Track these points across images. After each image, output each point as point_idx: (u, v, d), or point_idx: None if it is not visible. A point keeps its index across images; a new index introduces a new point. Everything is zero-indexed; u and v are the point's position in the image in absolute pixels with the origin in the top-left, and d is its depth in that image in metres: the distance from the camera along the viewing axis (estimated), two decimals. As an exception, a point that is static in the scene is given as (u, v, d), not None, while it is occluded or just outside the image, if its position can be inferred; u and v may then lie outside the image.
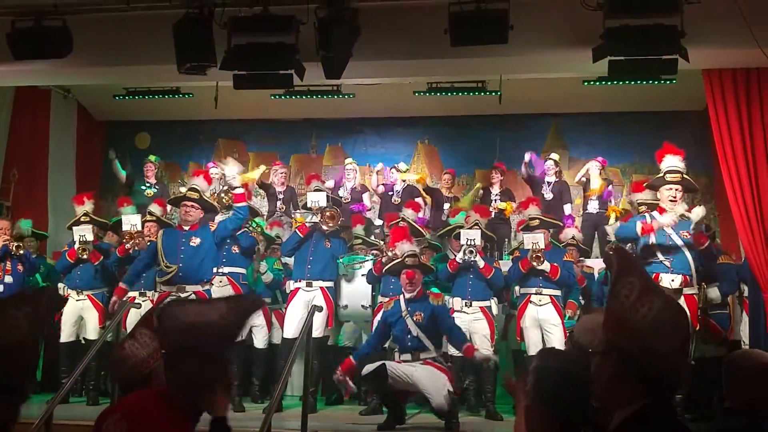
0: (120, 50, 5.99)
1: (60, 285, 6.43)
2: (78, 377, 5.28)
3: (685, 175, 5.25)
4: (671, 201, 5.12)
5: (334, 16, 5.24)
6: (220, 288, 6.03)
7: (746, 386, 2.36)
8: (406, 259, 5.42)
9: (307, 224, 6.24)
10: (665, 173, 5.21)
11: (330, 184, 7.89)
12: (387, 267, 5.78)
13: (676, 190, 5.13)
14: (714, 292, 5.75)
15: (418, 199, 7.57)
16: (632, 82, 7.05)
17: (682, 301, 4.94)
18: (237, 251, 6.22)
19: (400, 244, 5.57)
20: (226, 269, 6.14)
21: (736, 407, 2.43)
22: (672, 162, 5.20)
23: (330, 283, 6.10)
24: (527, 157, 7.77)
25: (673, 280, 4.98)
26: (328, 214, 6.12)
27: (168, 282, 5.53)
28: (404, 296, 5.31)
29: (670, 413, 1.57)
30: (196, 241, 5.60)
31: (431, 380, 4.97)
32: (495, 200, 7.80)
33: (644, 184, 5.90)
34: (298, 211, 7.55)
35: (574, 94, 7.81)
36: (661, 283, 4.96)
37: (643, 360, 1.54)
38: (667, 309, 1.59)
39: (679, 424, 1.57)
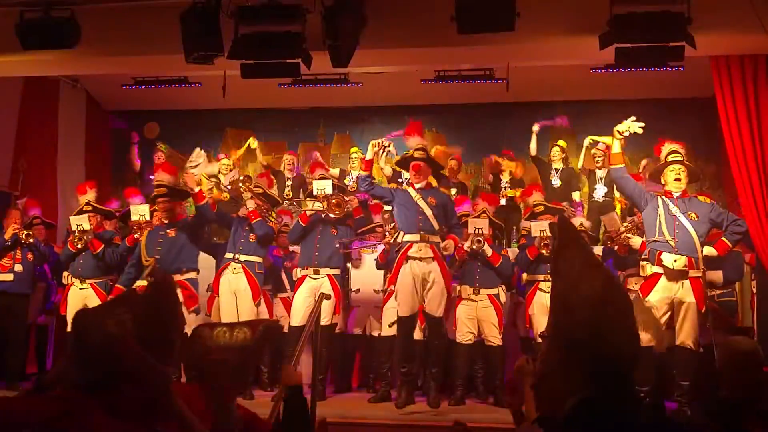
0: (128, 40, 6.01)
1: (65, 273, 6.51)
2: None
3: (686, 161, 5.27)
4: (676, 180, 5.12)
5: (340, 4, 5.24)
6: (234, 275, 6.11)
7: (732, 373, 2.40)
8: (415, 152, 5.56)
9: (308, 213, 6.29)
10: (666, 157, 5.23)
11: (335, 171, 7.91)
12: (396, 160, 5.90)
13: (680, 169, 5.14)
14: (716, 275, 5.75)
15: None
16: (640, 69, 7.02)
17: (687, 283, 4.95)
18: (253, 240, 6.28)
19: (411, 138, 5.68)
20: (242, 257, 6.20)
21: (727, 393, 2.46)
22: (672, 147, 5.24)
23: (337, 271, 6.15)
24: (536, 127, 7.75)
25: (675, 261, 4.94)
26: (334, 201, 6.15)
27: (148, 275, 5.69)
28: (414, 187, 5.51)
29: (622, 404, 1.41)
30: (172, 232, 5.78)
31: (436, 294, 5.34)
32: (505, 188, 7.81)
33: (646, 175, 5.89)
34: (306, 199, 7.57)
35: (581, 81, 7.77)
36: (663, 263, 4.98)
37: (587, 345, 1.39)
38: (609, 288, 1.43)
39: (634, 414, 1.42)
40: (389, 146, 5.94)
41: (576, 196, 7.64)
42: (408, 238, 5.42)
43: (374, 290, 6.34)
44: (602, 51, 5.25)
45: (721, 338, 4.22)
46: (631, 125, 5.05)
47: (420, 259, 5.36)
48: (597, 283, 1.41)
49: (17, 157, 7.97)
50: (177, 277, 5.61)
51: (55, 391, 1.90)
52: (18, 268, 6.53)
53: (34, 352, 7.09)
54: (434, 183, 5.83)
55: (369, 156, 5.64)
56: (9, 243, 6.47)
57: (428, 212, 5.43)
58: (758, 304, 5.81)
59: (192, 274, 5.96)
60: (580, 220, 6.72)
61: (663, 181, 5.21)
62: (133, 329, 1.85)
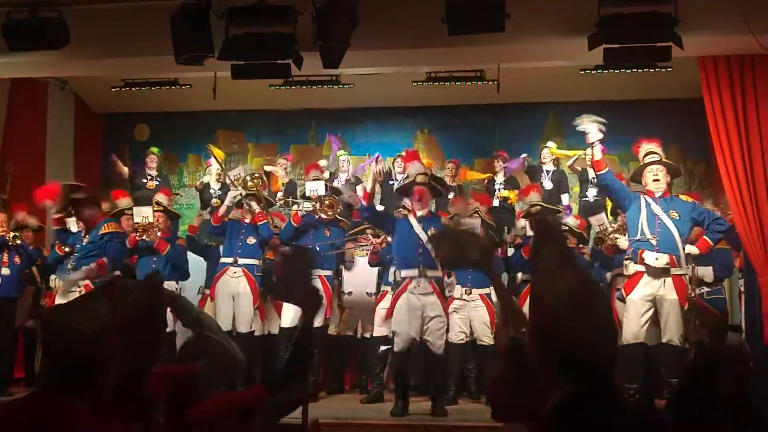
0: (117, 41, 5.97)
1: (52, 276, 6.48)
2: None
3: (664, 159, 5.32)
4: (655, 181, 5.19)
5: (331, 5, 5.24)
6: (234, 278, 6.13)
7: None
8: (417, 177, 5.48)
9: (299, 213, 6.30)
10: (644, 158, 5.31)
11: (326, 175, 7.89)
12: (398, 186, 5.78)
13: (658, 170, 5.20)
14: (706, 271, 5.79)
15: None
16: (629, 71, 7.07)
17: (669, 281, 4.99)
18: (253, 242, 6.30)
19: (411, 164, 5.64)
20: (241, 260, 6.23)
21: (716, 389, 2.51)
22: (649, 147, 5.32)
23: (328, 272, 6.16)
24: (524, 155, 7.82)
25: (657, 259, 4.99)
26: (326, 202, 6.18)
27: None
28: (415, 214, 5.36)
29: (605, 400, 1.42)
30: (85, 240, 5.97)
31: (436, 328, 5.19)
32: (499, 189, 7.81)
33: (628, 177, 5.96)
34: (297, 201, 7.56)
35: (571, 82, 7.82)
36: (644, 261, 5.01)
37: (561, 343, 1.40)
38: (583, 286, 1.44)
39: (615, 412, 1.42)
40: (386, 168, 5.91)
41: (565, 198, 7.65)
42: (406, 273, 5.24)
43: (366, 293, 6.33)
44: (592, 52, 5.28)
45: (711, 335, 4.26)
46: (593, 128, 5.10)
47: (419, 294, 5.18)
48: (571, 280, 1.42)
49: (5, 160, 7.91)
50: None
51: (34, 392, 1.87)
52: (5, 271, 6.47)
53: (23, 356, 7.03)
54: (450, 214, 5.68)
55: (369, 188, 5.55)
56: (-4, 245, 6.43)
57: (429, 245, 5.17)
58: (746, 302, 5.85)
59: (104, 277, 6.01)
60: (570, 222, 6.76)
61: (643, 182, 5.28)
62: (112, 321, 1.81)
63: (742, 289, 6.01)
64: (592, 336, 1.41)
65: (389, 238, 5.97)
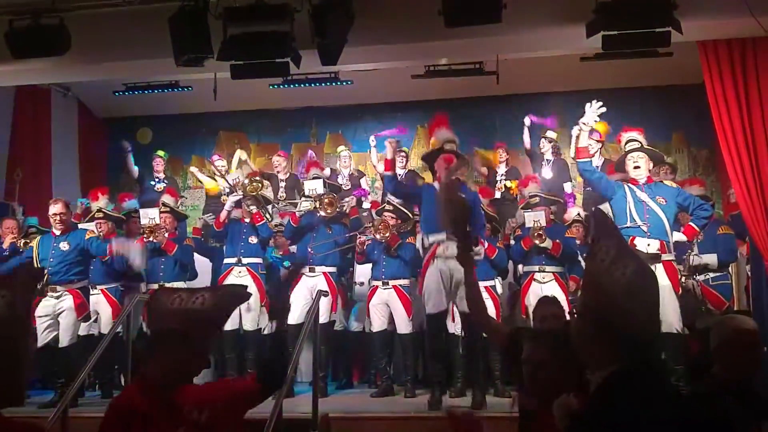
0: (118, 46, 6.01)
1: None
2: (91, 371, 5.40)
3: (646, 146, 5.35)
4: (635, 168, 5.21)
5: (328, 2, 5.25)
6: (240, 278, 6.18)
7: (729, 349, 2.45)
8: (445, 144, 5.42)
9: (297, 214, 6.34)
10: (625, 146, 5.38)
11: (327, 172, 7.92)
12: (425, 153, 5.77)
13: (638, 157, 5.22)
14: (711, 258, 5.78)
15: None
16: (629, 58, 7.03)
17: (660, 267, 4.99)
18: (255, 242, 6.34)
19: (439, 130, 5.58)
20: (245, 260, 6.28)
21: (721, 371, 2.50)
22: (629, 136, 5.38)
23: (333, 269, 6.19)
24: (528, 121, 7.74)
25: (649, 245, 5.01)
26: (326, 200, 6.20)
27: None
28: (441, 182, 5.31)
29: (648, 375, 1.58)
30: (65, 246, 6.00)
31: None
32: (501, 180, 7.80)
33: (614, 167, 5.97)
34: (300, 200, 7.59)
35: (571, 72, 7.77)
36: (636, 248, 5.01)
37: (616, 323, 1.55)
38: (640, 273, 1.60)
39: (658, 386, 1.59)
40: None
41: (567, 187, 7.64)
42: (433, 238, 5.24)
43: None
44: (591, 40, 5.26)
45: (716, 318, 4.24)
46: (594, 114, 5.10)
47: (447, 257, 5.14)
48: (630, 269, 1.58)
49: (13, 167, 7.99)
50: (70, 287, 5.91)
51: None
52: (19, 278, 6.53)
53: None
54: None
55: (389, 155, 5.52)
56: (7, 252, 6.47)
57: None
58: (753, 288, 5.82)
59: (83, 283, 6.08)
60: (576, 211, 6.75)
61: (626, 170, 5.29)
62: (12, 312, 1.72)
63: (749, 274, 5.99)
64: (644, 317, 1.57)
65: (372, 238, 5.95)
